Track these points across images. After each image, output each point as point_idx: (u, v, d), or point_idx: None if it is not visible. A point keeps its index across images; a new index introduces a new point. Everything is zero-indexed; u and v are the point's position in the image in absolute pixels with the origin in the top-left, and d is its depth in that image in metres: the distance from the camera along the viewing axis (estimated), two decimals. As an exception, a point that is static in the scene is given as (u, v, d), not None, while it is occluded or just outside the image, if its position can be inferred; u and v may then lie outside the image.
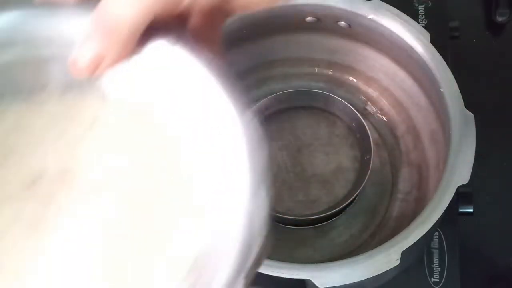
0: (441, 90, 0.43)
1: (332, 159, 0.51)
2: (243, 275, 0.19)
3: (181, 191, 0.22)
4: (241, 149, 0.20)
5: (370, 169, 0.48)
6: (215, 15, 0.23)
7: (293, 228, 0.49)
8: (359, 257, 0.36)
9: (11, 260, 0.21)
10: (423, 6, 0.64)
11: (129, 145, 0.23)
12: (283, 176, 0.50)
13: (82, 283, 0.21)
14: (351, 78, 0.55)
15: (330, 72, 0.55)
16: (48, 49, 0.23)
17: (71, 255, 0.21)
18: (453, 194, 0.38)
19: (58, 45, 0.22)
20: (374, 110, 0.54)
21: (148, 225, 0.22)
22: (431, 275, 0.50)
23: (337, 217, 0.49)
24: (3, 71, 0.23)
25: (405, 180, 0.51)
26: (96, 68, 0.21)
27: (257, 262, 0.19)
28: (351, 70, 0.54)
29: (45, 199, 0.22)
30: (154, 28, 0.21)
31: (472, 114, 0.41)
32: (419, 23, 0.47)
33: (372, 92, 0.54)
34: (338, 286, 0.36)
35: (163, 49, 0.22)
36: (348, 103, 0.52)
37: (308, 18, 0.49)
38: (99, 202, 0.22)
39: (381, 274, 0.36)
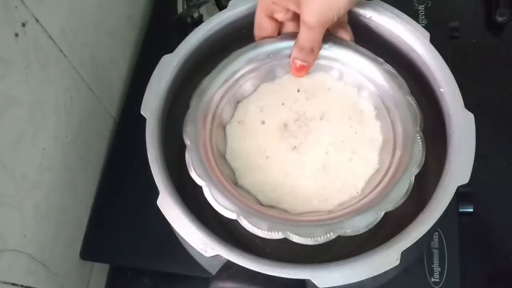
0: (441, 90, 0.43)
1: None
2: (418, 128, 0.40)
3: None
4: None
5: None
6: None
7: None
8: (359, 257, 0.36)
9: (281, 164, 0.43)
10: (423, 6, 0.64)
11: (328, 100, 0.45)
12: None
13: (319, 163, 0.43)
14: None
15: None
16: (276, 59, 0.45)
17: (315, 154, 0.43)
18: (453, 194, 0.38)
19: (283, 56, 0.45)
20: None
21: (349, 132, 0.44)
22: (431, 275, 0.51)
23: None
24: (266, 70, 0.46)
25: (405, 180, 0.51)
26: (305, 70, 0.44)
27: (420, 127, 0.40)
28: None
29: (292, 133, 0.44)
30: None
31: (472, 114, 0.41)
32: (419, 23, 0.47)
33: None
34: (338, 286, 0.36)
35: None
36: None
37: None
38: (320, 129, 0.44)
39: (381, 274, 0.35)
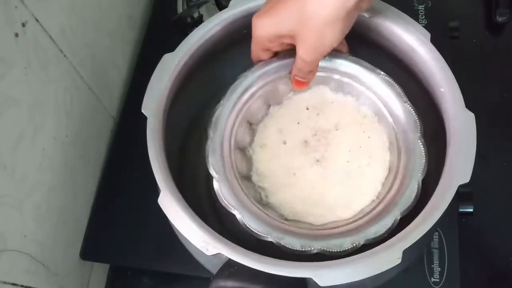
0: (441, 90, 0.43)
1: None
2: (419, 134, 0.43)
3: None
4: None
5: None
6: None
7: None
8: (361, 256, 0.36)
9: (308, 178, 0.45)
10: (423, 6, 0.64)
11: (336, 111, 0.48)
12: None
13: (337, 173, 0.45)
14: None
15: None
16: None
17: (337, 164, 0.45)
18: (453, 194, 0.38)
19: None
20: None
21: (364, 137, 0.46)
22: (431, 275, 0.51)
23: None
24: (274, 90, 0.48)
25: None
26: (306, 85, 0.46)
27: (421, 133, 0.43)
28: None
29: (314, 148, 0.46)
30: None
31: (472, 114, 0.41)
32: (419, 23, 0.47)
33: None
34: (340, 284, 0.36)
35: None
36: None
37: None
38: (338, 139, 0.46)
39: (382, 273, 0.35)
